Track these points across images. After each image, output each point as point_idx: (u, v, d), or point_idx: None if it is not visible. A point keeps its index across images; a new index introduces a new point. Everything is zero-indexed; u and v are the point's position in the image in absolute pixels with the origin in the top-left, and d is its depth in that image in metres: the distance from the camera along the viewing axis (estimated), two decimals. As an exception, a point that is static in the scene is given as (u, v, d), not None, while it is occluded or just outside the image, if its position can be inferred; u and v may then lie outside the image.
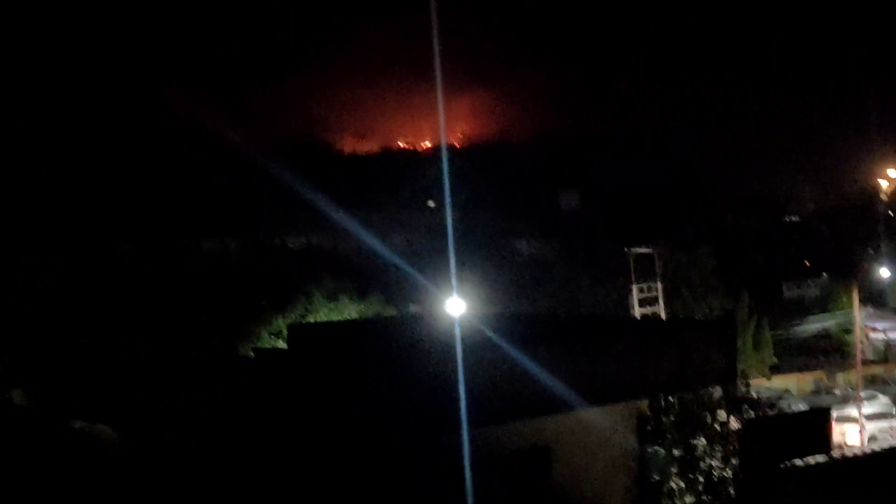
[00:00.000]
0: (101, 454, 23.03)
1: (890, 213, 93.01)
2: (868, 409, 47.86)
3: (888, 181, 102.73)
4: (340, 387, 22.19)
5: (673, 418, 26.21)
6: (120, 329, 40.55)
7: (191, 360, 31.66)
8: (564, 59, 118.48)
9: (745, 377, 41.49)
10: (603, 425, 24.69)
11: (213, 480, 22.39)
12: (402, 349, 24.92)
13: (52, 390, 31.63)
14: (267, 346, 42.09)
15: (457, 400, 21.26)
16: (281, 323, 44.48)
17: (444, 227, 53.64)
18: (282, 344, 40.30)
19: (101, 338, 38.66)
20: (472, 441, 21.39)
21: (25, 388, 33.66)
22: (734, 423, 26.60)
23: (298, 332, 33.13)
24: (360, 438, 21.49)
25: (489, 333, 25.20)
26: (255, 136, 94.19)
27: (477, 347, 23.10)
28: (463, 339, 22.98)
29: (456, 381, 21.40)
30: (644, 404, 25.67)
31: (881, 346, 70.99)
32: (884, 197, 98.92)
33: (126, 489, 22.94)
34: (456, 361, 21.75)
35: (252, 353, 36.44)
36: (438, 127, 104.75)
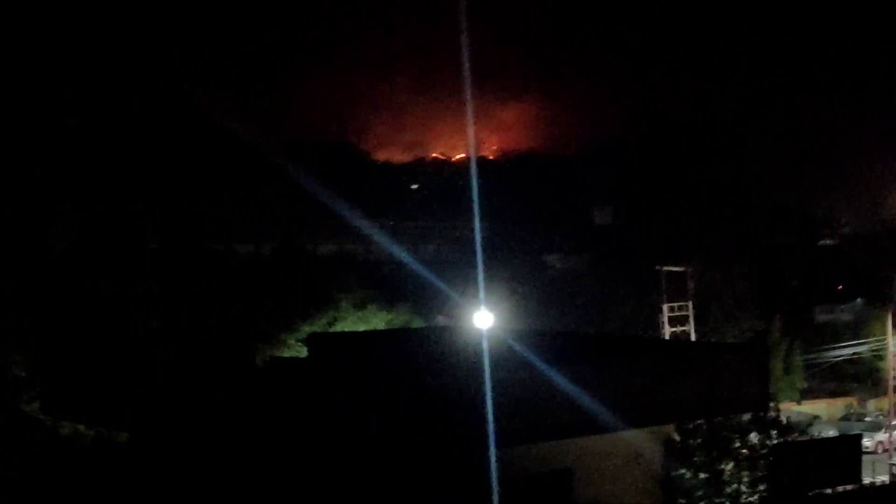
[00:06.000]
0: (116, 460, 22.75)
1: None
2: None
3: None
4: (359, 399, 21.55)
5: (700, 441, 25.74)
6: (143, 332, 40.17)
7: (206, 368, 30.72)
8: (602, 73, 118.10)
9: (775, 401, 41.01)
10: (628, 449, 24.13)
11: (222, 489, 21.90)
12: (427, 362, 24.43)
13: (66, 396, 31.09)
14: (291, 354, 41.72)
15: (483, 419, 20.58)
16: (307, 330, 44.08)
17: (475, 238, 53.27)
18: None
19: (123, 341, 38.22)
20: (494, 461, 20.78)
21: (39, 396, 33.19)
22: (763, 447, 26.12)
23: (319, 342, 31.95)
24: (377, 455, 20.87)
25: (516, 349, 24.61)
26: (293, 142, 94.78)
27: (503, 364, 22.43)
28: (489, 355, 22.29)
29: (482, 400, 20.59)
30: (671, 427, 25.13)
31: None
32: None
33: (137, 495, 22.65)
34: (482, 377, 21.07)
35: (268, 362, 35.40)
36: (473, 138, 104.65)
